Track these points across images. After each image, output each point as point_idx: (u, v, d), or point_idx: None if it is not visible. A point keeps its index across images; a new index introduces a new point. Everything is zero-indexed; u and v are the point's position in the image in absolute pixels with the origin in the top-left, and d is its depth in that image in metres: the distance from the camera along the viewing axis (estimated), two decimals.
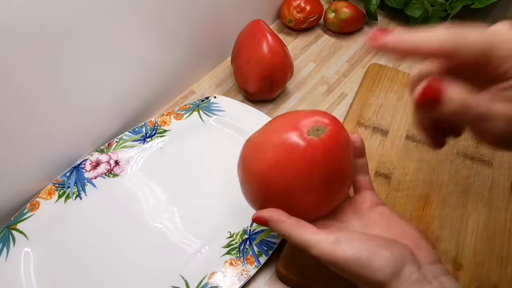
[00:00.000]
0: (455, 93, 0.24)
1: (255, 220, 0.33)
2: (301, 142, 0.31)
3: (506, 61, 0.24)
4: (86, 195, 0.44)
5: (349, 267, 0.29)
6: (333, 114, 0.53)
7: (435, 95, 0.24)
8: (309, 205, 0.33)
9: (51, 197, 0.43)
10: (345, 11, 0.61)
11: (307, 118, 0.32)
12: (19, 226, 0.40)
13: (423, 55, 0.26)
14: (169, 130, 0.49)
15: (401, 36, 0.25)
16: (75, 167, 0.45)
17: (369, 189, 0.36)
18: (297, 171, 0.31)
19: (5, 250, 0.39)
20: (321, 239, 0.29)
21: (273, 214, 0.32)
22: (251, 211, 0.43)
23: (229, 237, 0.41)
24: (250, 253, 0.40)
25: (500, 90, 0.24)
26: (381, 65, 0.57)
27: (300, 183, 0.32)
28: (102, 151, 0.46)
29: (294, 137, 0.31)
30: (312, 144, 0.31)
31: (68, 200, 0.43)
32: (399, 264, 0.28)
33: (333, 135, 0.31)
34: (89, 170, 0.45)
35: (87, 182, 0.44)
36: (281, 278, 0.39)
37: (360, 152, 0.36)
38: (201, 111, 0.51)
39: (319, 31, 0.65)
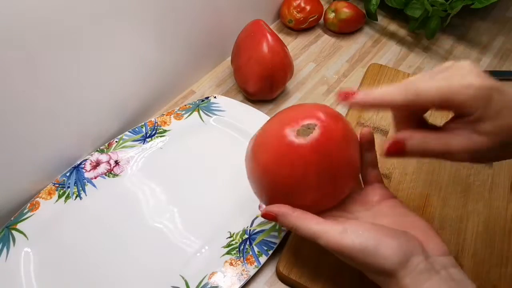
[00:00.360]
0: (415, 143, 0.29)
1: (264, 215, 0.34)
2: (291, 143, 0.31)
3: (464, 106, 0.27)
4: (86, 195, 0.44)
5: (356, 255, 0.29)
6: None
7: (399, 149, 0.30)
8: (311, 200, 0.33)
9: (51, 197, 0.43)
10: (345, 11, 0.61)
11: (298, 118, 0.32)
12: (19, 226, 0.40)
13: (387, 108, 0.30)
14: (169, 130, 0.49)
15: (367, 94, 0.30)
16: (75, 167, 0.45)
17: (379, 182, 0.37)
18: (291, 171, 0.32)
19: (5, 250, 0.39)
20: (328, 230, 0.30)
21: (281, 208, 0.33)
22: (251, 211, 0.43)
23: (229, 237, 0.41)
24: (250, 253, 0.40)
25: (463, 123, 0.28)
26: (381, 65, 0.57)
27: (296, 182, 0.32)
28: (102, 151, 0.46)
29: (285, 139, 0.32)
30: (301, 145, 0.31)
31: (68, 200, 0.43)
32: (407, 253, 0.29)
33: (324, 134, 0.31)
34: (89, 170, 0.45)
35: (87, 182, 0.44)
36: (281, 278, 0.39)
37: (368, 146, 0.36)
38: (201, 111, 0.51)
39: (319, 31, 0.65)
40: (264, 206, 0.43)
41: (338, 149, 0.32)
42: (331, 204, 0.35)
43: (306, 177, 0.31)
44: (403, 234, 0.30)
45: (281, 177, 0.32)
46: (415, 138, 0.30)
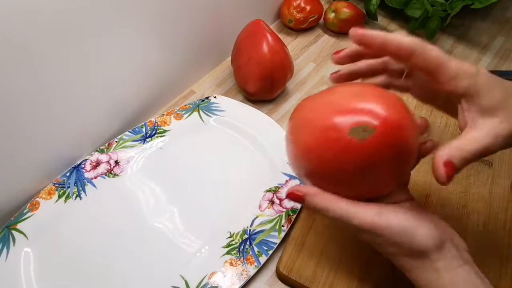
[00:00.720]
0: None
1: (289, 195, 0.32)
2: (339, 138, 0.28)
3: (451, 80, 0.29)
4: (86, 195, 0.44)
5: (392, 236, 0.29)
6: None
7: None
8: (345, 193, 0.31)
9: (51, 197, 0.43)
10: (345, 11, 0.61)
11: (354, 109, 0.28)
12: (19, 226, 0.40)
13: (392, 51, 0.29)
14: (169, 130, 0.49)
15: (377, 32, 0.30)
16: (75, 167, 0.45)
17: (406, 185, 0.35)
18: (332, 165, 0.29)
19: (5, 250, 0.39)
20: (362, 210, 0.30)
21: (309, 189, 0.31)
22: (251, 211, 0.43)
23: (229, 237, 0.41)
24: (250, 253, 0.40)
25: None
26: None
27: (333, 176, 0.30)
28: (102, 151, 0.46)
29: (333, 131, 0.28)
30: (351, 146, 0.27)
31: (68, 200, 0.43)
32: (442, 237, 0.29)
33: (382, 138, 0.27)
34: (89, 170, 0.45)
35: (87, 182, 0.44)
36: (281, 278, 0.39)
37: (421, 156, 0.34)
38: (201, 111, 0.51)
39: (319, 31, 0.65)
40: (263, 207, 0.43)
41: (390, 159, 0.29)
42: (365, 198, 0.32)
43: (346, 176, 0.29)
44: (438, 221, 0.31)
45: (320, 165, 0.30)
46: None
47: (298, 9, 0.61)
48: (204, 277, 0.39)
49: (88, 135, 0.46)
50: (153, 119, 0.49)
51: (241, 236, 0.41)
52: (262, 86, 0.51)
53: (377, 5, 0.61)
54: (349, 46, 0.62)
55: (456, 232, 0.32)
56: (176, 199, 0.44)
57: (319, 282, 0.38)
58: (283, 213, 0.42)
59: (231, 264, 0.39)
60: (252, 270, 0.39)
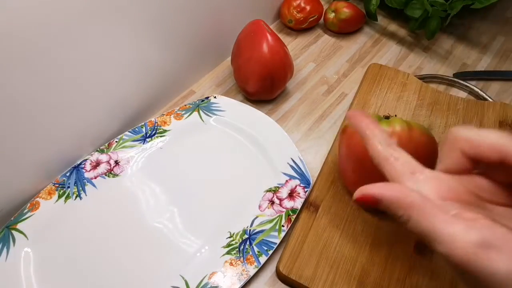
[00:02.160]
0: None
1: (359, 199, 0.25)
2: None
3: None
4: (86, 195, 0.44)
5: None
6: (333, 114, 0.53)
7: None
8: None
9: (51, 197, 0.43)
10: (345, 11, 0.61)
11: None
12: (19, 226, 0.40)
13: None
14: (169, 130, 0.49)
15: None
16: (75, 167, 0.45)
17: None
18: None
19: (5, 250, 0.39)
20: (458, 235, 0.21)
21: (394, 188, 0.24)
22: (251, 211, 0.43)
23: (229, 237, 0.41)
24: (250, 253, 0.40)
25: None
26: (381, 65, 0.57)
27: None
28: (102, 151, 0.46)
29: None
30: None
31: (68, 200, 0.43)
32: None
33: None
34: (89, 170, 0.45)
35: (87, 182, 0.44)
36: (281, 278, 0.39)
37: None
38: (201, 111, 0.51)
39: (319, 31, 0.65)
40: (263, 207, 0.43)
41: None
42: None
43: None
44: None
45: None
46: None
47: (298, 9, 0.61)
48: (204, 277, 0.39)
49: (88, 135, 0.46)
50: (153, 119, 0.49)
51: (241, 236, 0.41)
52: (262, 86, 0.51)
53: (377, 5, 0.61)
54: (348, 46, 0.63)
55: None
56: (176, 199, 0.44)
57: (319, 282, 0.38)
58: (283, 213, 0.42)
59: (231, 264, 0.39)
60: (252, 270, 0.39)
